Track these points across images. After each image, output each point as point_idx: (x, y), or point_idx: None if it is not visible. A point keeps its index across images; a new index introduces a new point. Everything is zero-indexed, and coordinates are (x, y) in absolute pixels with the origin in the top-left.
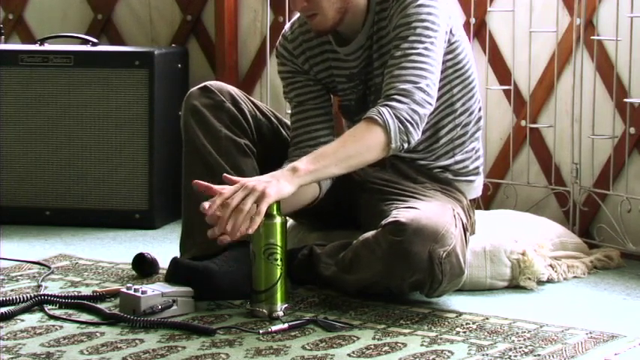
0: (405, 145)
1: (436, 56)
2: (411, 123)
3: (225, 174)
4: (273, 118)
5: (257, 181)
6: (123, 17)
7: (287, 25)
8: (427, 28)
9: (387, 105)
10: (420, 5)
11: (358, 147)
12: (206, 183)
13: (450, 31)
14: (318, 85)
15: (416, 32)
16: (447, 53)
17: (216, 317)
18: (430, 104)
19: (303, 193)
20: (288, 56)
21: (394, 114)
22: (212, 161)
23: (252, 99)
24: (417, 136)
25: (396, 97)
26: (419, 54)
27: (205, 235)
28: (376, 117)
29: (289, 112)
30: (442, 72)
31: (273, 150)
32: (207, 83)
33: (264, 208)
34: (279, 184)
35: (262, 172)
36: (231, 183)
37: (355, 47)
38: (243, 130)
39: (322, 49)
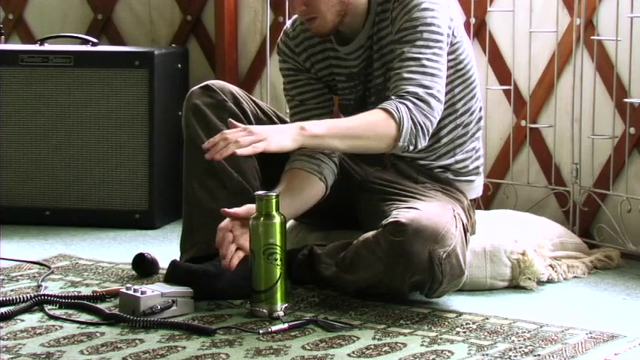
0: (411, 148)
1: (443, 61)
2: (422, 128)
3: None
4: (274, 118)
5: (262, 128)
6: (123, 17)
7: (289, 22)
8: (434, 32)
9: (404, 103)
10: (425, 9)
11: (369, 131)
12: (233, 210)
13: (452, 33)
14: (320, 83)
15: (423, 37)
16: (448, 54)
17: (216, 317)
18: (441, 110)
19: (309, 194)
20: (289, 53)
21: (410, 115)
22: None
23: (253, 98)
24: (424, 142)
25: (411, 98)
26: (428, 59)
27: (206, 235)
28: (394, 112)
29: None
30: None
31: None
32: (209, 82)
33: (260, 148)
34: (282, 136)
35: (263, 172)
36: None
37: (355, 47)
38: None
39: (323, 47)
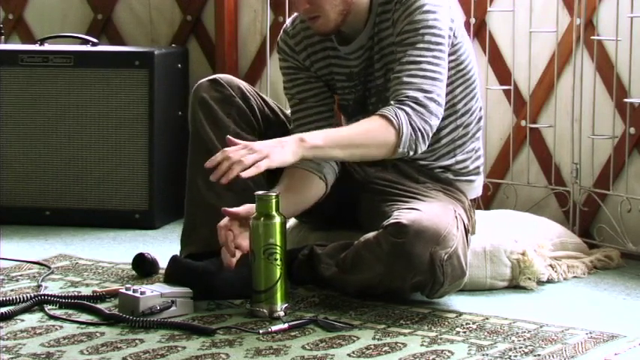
0: (411, 153)
1: (444, 64)
2: (422, 133)
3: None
4: (280, 114)
5: (263, 145)
6: (123, 17)
7: (288, 21)
8: (435, 34)
9: (403, 109)
10: (427, 11)
11: (368, 140)
12: (234, 210)
13: (453, 34)
14: (320, 82)
15: (424, 39)
16: (449, 55)
17: (216, 317)
18: (441, 114)
19: (309, 193)
20: (289, 52)
21: (409, 121)
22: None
23: (260, 94)
24: (424, 147)
25: (410, 103)
26: (429, 62)
27: (206, 232)
28: (392, 118)
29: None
30: None
31: None
32: (217, 76)
33: (264, 166)
34: (283, 151)
35: (266, 171)
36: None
37: (356, 47)
38: (251, 125)
39: (323, 45)
